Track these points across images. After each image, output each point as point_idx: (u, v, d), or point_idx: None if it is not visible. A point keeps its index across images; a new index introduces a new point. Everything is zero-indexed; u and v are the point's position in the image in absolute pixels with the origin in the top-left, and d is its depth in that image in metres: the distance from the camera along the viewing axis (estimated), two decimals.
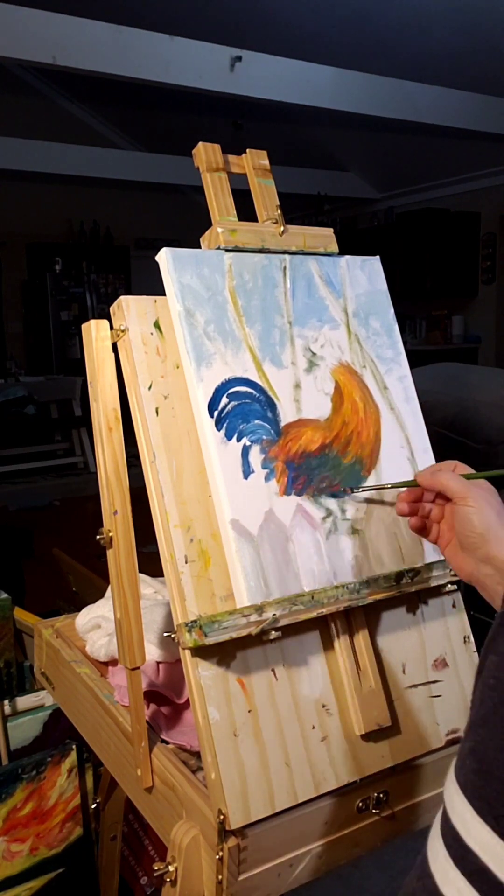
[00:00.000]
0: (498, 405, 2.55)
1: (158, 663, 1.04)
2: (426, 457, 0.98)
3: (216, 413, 0.84)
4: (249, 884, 0.80)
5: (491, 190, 6.99)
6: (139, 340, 0.86)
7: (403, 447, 0.97)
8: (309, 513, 0.88)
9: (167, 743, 0.95)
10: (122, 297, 0.86)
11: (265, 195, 0.98)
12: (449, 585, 0.96)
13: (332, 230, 1.01)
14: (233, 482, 0.83)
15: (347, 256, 1.01)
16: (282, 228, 0.96)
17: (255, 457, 0.86)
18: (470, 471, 0.81)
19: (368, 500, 0.93)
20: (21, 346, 8.05)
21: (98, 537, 0.85)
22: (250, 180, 0.99)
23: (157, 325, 0.87)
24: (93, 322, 0.85)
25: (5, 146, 6.41)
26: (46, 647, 1.21)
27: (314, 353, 0.94)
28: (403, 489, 0.85)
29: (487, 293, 7.30)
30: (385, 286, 1.03)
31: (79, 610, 1.22)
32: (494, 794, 0.39)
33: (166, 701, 1.02)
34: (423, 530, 0.83)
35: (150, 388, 0.85)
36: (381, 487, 0.93)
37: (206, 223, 0.93)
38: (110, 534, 0.85)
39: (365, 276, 1.02)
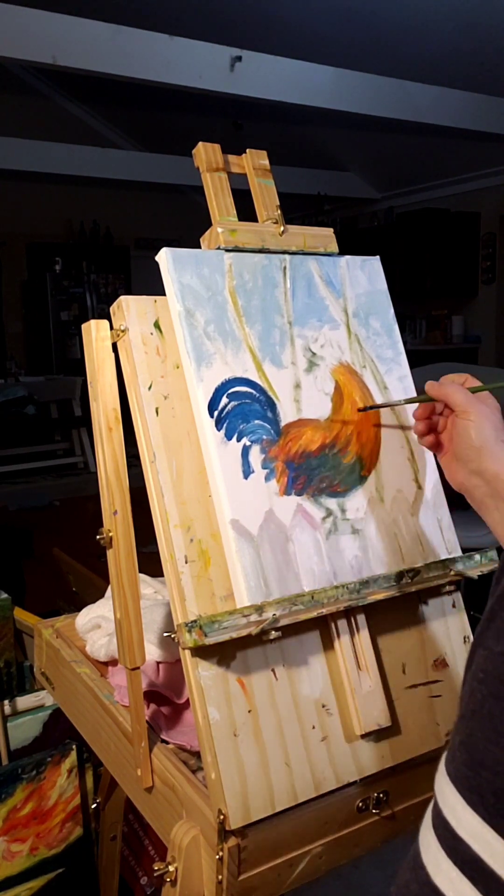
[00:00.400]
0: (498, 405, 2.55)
1: (158, 663, 1.04)
2: (426, 456, 0.98)
3: (216, 413, 0.84)
4: (249, 884, 0.80)
5: (491, 190, 6.99)
6: (139, 340, 0.86)
7: (403, 447, 0.97)
8: (309, 513, 0.88)
9: (167, 743, 0.95)
10: (122, 297, 0.86)
11: (265, 195, 0.98)
12: (449, 585, 0.96)
13: (332, 230, 1.01)
14: (233, 482, 0.83)
15: (347, 256, 1.01)
16: (282, 228, 0.96)
17: (255, 457, 0.86)
18: (478, 384, 0.83)
19: (369, 501, 0.93)
20: (21, 346, 8.05)
21: (98, 537, 0.85)
22: (250, 180, 0.99)
23: (157, 325, 0.87)
24: (93, 322, 0.85)
25: (5, 146, 6.41)
26: (46, 647, 1.21)
27: (314, 353, 0.94)
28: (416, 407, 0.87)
29: (487, 293, 7.30)
30: (385, 286, 1.03)
31: (79, 610, 1.22)
32: (485, 784, 0.40)
33: (166, 701, 1.02)
34: (436, 446, 0.84)
35: (150, 388, 0.85)
36: (396, 404, 0.96)
37: (206, 223, 0.93)
38: (110, 534, 0.85)
39: (365, 276, 1.02)
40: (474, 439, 0.77)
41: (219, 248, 0.91)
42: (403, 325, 7.31)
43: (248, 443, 0.86)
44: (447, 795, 0.42)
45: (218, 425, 0.84)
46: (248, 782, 0.79)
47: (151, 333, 0.87)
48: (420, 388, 1.02)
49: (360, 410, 0.95)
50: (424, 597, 0.96)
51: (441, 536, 0.97)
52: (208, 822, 0.79)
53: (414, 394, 1.01)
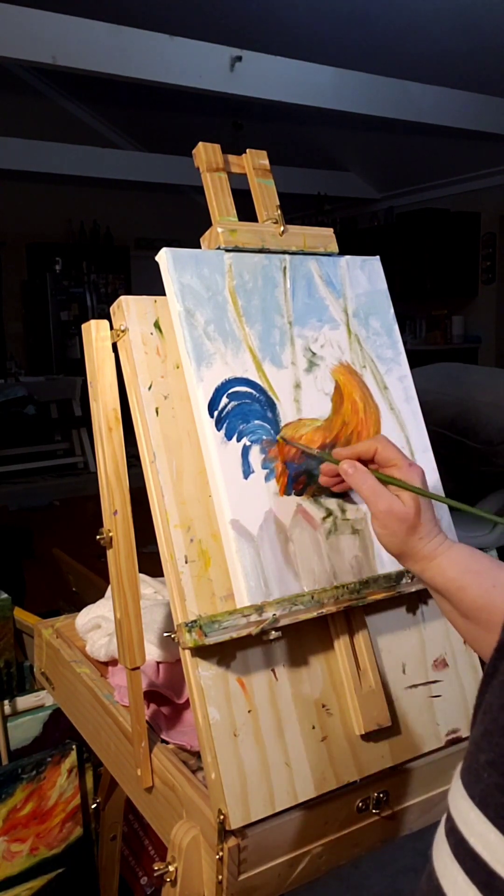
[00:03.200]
0: (498, 405, 2.55)
1: (158, 663, 1.04)
2: (426, 457, 0.98)
3: (216, 413, 0.84)
4: (249, 884, 0.80)
5: (491, 190, 6.98)
6: (139, 340, 0.86)
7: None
8: (309, 513, 0.88)
9: (167, 743, 0.95)
10: (122, 297, 0.86)
11: (265, 195, 0.98)
12: None
13: (332, 230, 1.01)
14: (233, 482, 0.83)
15: (347, 256, 1.01)
16: (282, 228, 0.96)
17: (255, 457, 0.86)
18: (394, 460, 0.75)
19: None
20: (21, 346, 8.05)
21: (98, 537, 0.85)
22: (250, 180, 0.99)
23: (157, 325, 0.87)
24: (93, 322, 0.85)
25: (5, 146, 6.41)
26: (46, 647, 1.21)
27: (314, 353, 0.94)
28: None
29: (487, 293, 7.30)
30: (385, 286, 1.03)
31: (79, 610, 1.22)
32: None
33: (166, 701, 1.02)
34: (347, 489, 0.83)
35: (150, 388, 0.85)
36: (304, 448, 0.88)
37: (206, 223, 0.93)
38: (110, 534, 0.85)
39: (365, 276, 1.02)
40: (388, 545, 0.74)
41: (219, 248, 0.91)
42: (403, 325, 7.31)
43: (248, 443, 0.86)
44: (473, 823, 0.37)
45: (218, 425, 0.84)
46: (248, 782, 0.79)
47: (151, 333, 0.87)
48: (420, 389, 1.03)
49: (283, 440, 0.88)
50: (424, 597, 0.96)
51: None
52: (208, 822, 0.79)
53: (413, 395, 1.00)
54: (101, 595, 1.24)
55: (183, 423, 0.86)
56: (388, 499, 0.72)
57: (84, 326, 0.86)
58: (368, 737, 0.87)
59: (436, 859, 0.39)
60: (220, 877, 0.78)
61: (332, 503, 0.90)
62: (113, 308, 0.88)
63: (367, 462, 0.77)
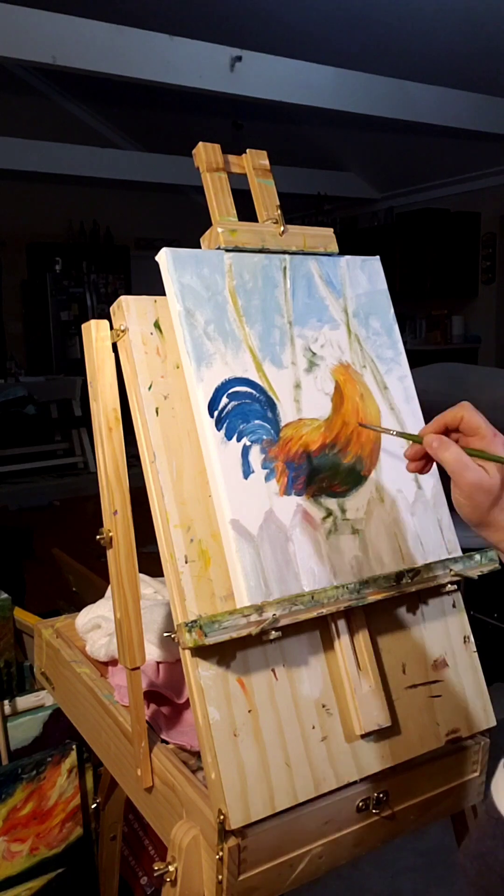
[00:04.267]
0: (498, 405, 2.55)
1: (158, 663, 1.04)
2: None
3: (216, 413, 0.84)
4: (249, 884, 0.80)
5: (491, 190, 6.98)
6: (139, 340, 0.86)
7: (403, 447, 0.97)
8: (309, 513, 0.88)
9: (167, 743, 0.95)
10: (122, 297, 0.86)
11: (265, 195, 0.98)
12: (449, 585, 0.96)
13: (332, 230, 1.01)
14: (233, 482, 0.83)
15: (347, 256, 1.01)
16: (282, 228, 0.95)
17: (255, 457, 0.86)
18: (479, 428, 0.74)
19: (369, 501, 0.93)
20: (21, 346, 8.05)
21: (98, 537, 0.85)
22: (250, 180, 0.99)
23: (157, 325, 0.87)
24: (93, 322, 0.85)
25: (5, 146, 6.41)
26: (46, 647, 1.21)
27: (314, 353, 0.94)
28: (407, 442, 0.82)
29: (487, 293, 7.29)
30: (385, 286, 1.03)
31: (79, 610, 1.22)
32: None
33: (166, 701, 1.02)
34: (429, 469, 0.80)
35: (150, 388, 0.85)
36: (385, 431, 0.94)
37: (206, 223, 0.93)
38: (110, 534, 0.85)
39: (365, 276, 1.02)
40: (468, 516, 0.72)
41: (219, 248, 0.91)
42: (403, 325, 7.31)
43: (248, 443, 0.86)
44: None
45: (218, 425, 0.84)
46: (248, 782, 0.79)
47: (151, 333, 0.87)
48: (420, 389, 1.03)
49: (360, 425, 0.94)
50: (424, 597, 0.96)
51: (441, 536, 0.97)
52: (208, 822, 0.79)
53: (414, 395, 1.01)
54: (101, 595, 1.24)
55: (183, 423, 0.86)
56: (476, 471, 0.70)
57: (84, 326, 0.86)
58: (368, 737, 0.87)
59: (495, 795, 0.40)
60: (220, 877, 0.78)
61: (332, 503, 0.90)
62: (113, 308, 0.88)
63: (451, 432, 0.76)
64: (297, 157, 7.04)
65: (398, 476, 0.96)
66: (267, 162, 1.00)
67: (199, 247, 0.93)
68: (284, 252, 0.95)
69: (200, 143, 0.95)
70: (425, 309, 7.50)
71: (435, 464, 0.79)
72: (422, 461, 0.78)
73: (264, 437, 0.87)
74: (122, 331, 0.86)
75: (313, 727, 0.84)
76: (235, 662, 0.81)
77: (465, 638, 0.98)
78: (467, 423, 0.74)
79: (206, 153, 0.95)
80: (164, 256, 0.87)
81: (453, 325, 7.43)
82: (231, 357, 0.88)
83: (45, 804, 1.29)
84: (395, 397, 0.99)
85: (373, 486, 0.93)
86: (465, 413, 0.75)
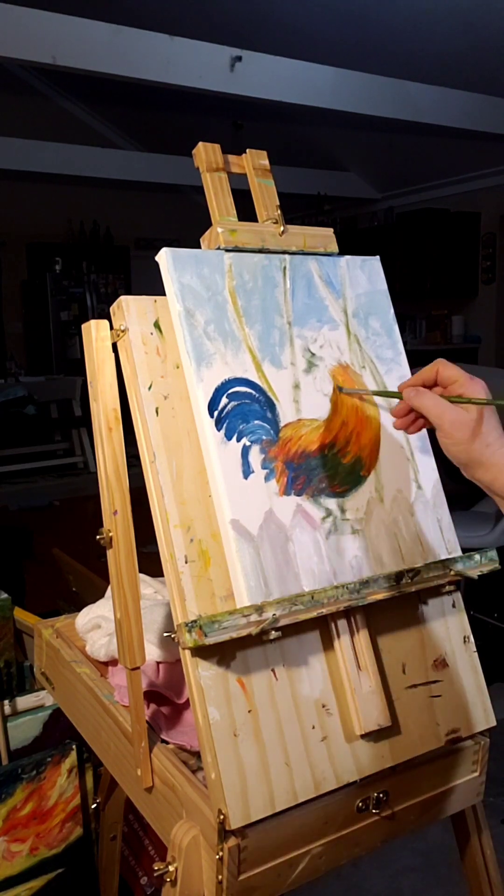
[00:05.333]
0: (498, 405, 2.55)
1: (158, 663, 1.04)
2: (426, 457, 0.98)
3: (216, 413, 0.85)
4: (249, 884, 0.80)
5: (491, 190, 6.98)
6: (139, 340, 0.86)
7: (403, 447, 0.97)
8: (309, 513, 0.88)
9: (167, 743, 0.95)
10: (122, 297, 0.86)
11: (265, 195, 0.98)
12: (449, 585, 0.96)
13: (332, 230, 1.01)
14: (233, 482, 0.83)
15: (347, 256, 1.01)
16: (282, 228, 0.96)
17: (255, 457, 0.86)
18: (456, 378, 0.79)
19: (368, 501, 0.93)
20: (21, 346, 8.05)
21: (98, 537, 0.85)
22: (250, 180, 0.99)
23: (157, 325, 0.87)
24: (93, 322, 0.85)
25: (5, 146, 6.41)
26: (46, 647, 1.21)
27: (313, 354, 0.94)
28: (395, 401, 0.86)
29: (487, 293, 7.30)
30: (385, 286, 1.03)
31: (79, 610, 1.22)
32: None
33: (166, 701, 1.02)
34: (422, 427, 0.84)
35: (150, 388, 0.85)
36: (365, 392, 0.96)
37: (206, 223, 0.93)
38: (110, 534, 0.85)
39: (365, 276, 1.02)
40: (455, 455, 0.77)
41: (219, 248, 0.91)
42: (403, 325, 7.31)
43: (247, 443, 0.86)
44: None
45: (218, 425, 0.84)
46: (248, 782, 0.79)
47: (151, 333, 0.87)
48: None
49: (339, 390, 0.95)
50: (424, 597, 0.96)
51: (441, 536, 0.97)
52: (208, 822, 0.79)
53: None
54: (101, 595, 1.24)
55: (183, 423, 0.86)
56: (454, 410, 0.76)
57: (84, 326, 0.86)
58: (368, 737, 0.87)
59: None
60: (220, 877, 0.78)
61: (331, 503, 0.90)
62: (113, 308, 0.88)
63: (430, 387, 0.81)
64: (297, 157, 7.04)
65: (398, 476, 0.96)
66: (267, 162, 1.00)
67: (199, 247, 0.93)
68: (284, 252, 0.95)
69: (200, 143, 0.95)
70: (425, 309, 7.50)
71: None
72: (409, 417, 0.83)
73: (264, 437, 0.87)
74: (122, 331, 0.86)
75: (313, 727, 0.84)
76: (235, 662, 0.81)
77: (465, 638, 0.98)
78: (443, 375, 0.80)
79: (206, 153, 0.95)
80: (164, 256, 0.87)
81: (453, 325, 7.43)
82: (231, 357, 0.88)
83: (45, 804, 1.29)
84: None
85: (372, 486, 0.93)
86: (439, 367, 0.81)
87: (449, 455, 0.78)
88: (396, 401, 0.85)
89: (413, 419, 0.83)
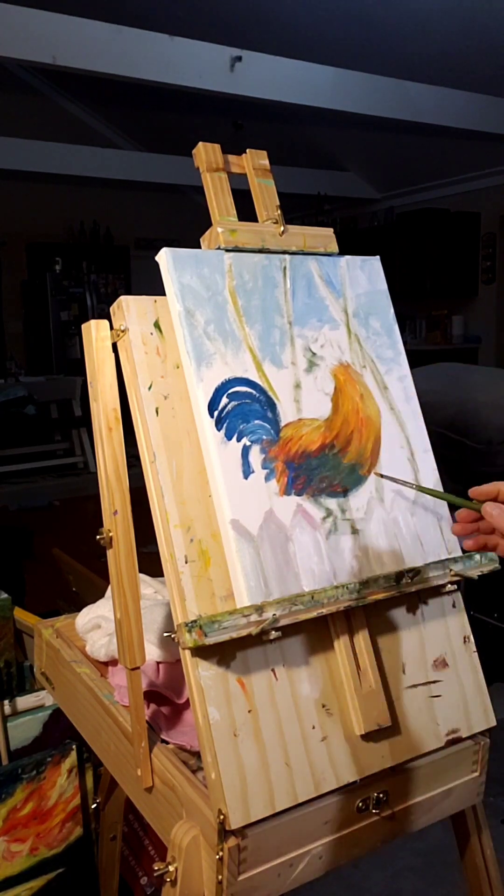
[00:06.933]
0: (498, 405, 2.55)
1: (158, 663, 1.04)
2: (426, 457, 0.98)
3: (216, 413, 0.85)
4: (249, 884, 0.80)
5: (491, 190, 6.99)
6: (139, 340, 0.86)
7: (403, 447, 0.97)
8: (309, 513, 0.88)
9: (167, 743, 0.95)
10: (122, 297, 0.86)
11: (265, 195, 0.98)
12: (449, 585, 0.96)
13: (332, 230, 1.01)
14: (233, 482, 0.83)
15: (347, 256, 1.01)
16: (282, 228, 0.96)
17: (255, 457, 0.86)
18: None
19: (369, 501, 0.93)
20: (21, 346, 8.05)
21: (98, 537, 0.85)
22: (250, 180, 0.99)
23: (157, 325, 0.87)
24: (93, 322, 0.85)
25: (5, 146, 6.41)
26: (46, 647, 1.21)
27: (314, 353, 0.94)
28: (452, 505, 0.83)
29: (487, 293, 7.30)
30: (385, 286, 1.03)
31: (79, 610, 1.22)
32: None
33: (166, 701, 1.02)
34: (483, 547, 0.81)
35: (150, 388, 0.85)
36: (435, 495, 0.92)
37: (206, 223, 0.93)
38: (110, 534, 0.85)
39: (365, 276, 1.02)
40: None
41: (219, 248, 0.91)
42: (403, 325, 7.31)
43: (248, 443, 0.86)
44: None
45: (218, 425, 0.84)
46: (248, 782, 0.79)
47: (151, 333, 0.87)
48: (420, 389, 1.02)
49: (377, 475, 0.92)
50: (424, 597, 0.96)
51: (441, 536, 0.97)
52: (208, 822, 0.79)
53: (414, 395, 1.00)
54: (101, 595, 1.24)
55: (183, 423, 0.86)
56: None
57: (84, 326, 0.86)
58: (368, 737, 0.87)
59: None
60: (220, 877, 0.78)
61: (332, 503, 0.90)
62: (113, 308, 0.88)
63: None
64: (297, 157, 7.05)
65: (398, 476, 0.95)
66: (267, 162, 1.00)
67: (199, 247, 0.93)
68: (284, 252, 0.95)
69: (200, 143, 0.95)
70: (425, 309, 7.50)
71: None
72: (472, 525, 0.80)
73: (264, 437, 0.87)
74: (122, 331, 0.86)
75: (313, 727, 0.84)
76: (235, 662, 0.81)
77: (465, 638, 0.98)
78: None
79: (206, 153, 0.95)
80: (164, 256, 0.87)
81: (453, 325, 7.43)
82: (231, 357, 0.88)
83: (45, 804, 1.29)
84: (395, 397, 0.99)
85: (373, 485, 0.93)
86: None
87: None
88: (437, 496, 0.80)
89: (474, 529, 0.80)
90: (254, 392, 0.88)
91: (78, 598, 2.27)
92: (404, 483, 0.92)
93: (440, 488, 0.98)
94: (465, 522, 0.80)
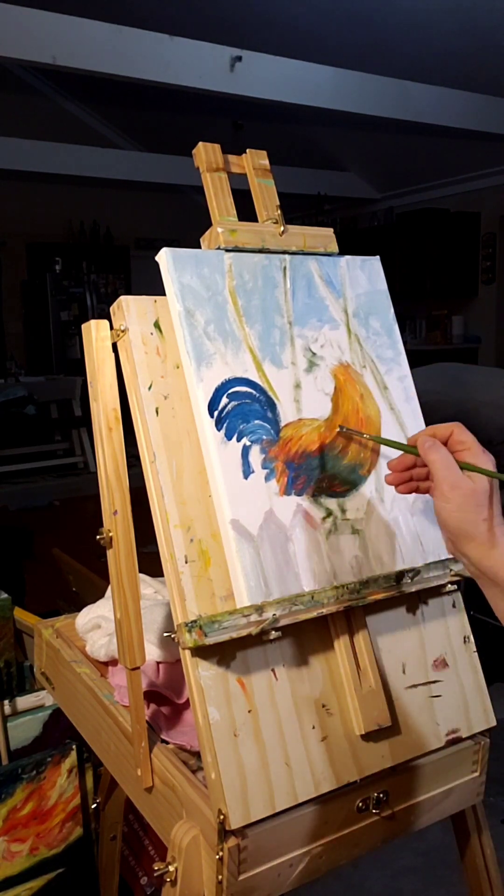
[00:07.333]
0: (498, 405, 2.55)
1: (158, 663, 1.04)
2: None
3: (216, 413, 0.85)
4: (249, 884, 0.80)
5: (491, 190, 6.99)
6: (139, 340, 0.86)
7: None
8: (309, 513, 0.88)
9: (167, 743, 0.95)
10: (122, 297, 0.86)
11: (265, 195, 0.98)
12: (449, 585, 0.96)
13: (332, 230, 1.01)
14: (233, 482, 0.83)
15: (347, 256, 1.01)
16: (282, 228, 0.96)
17: (255, 457, 0.86)
18: (469, 445, 0.75)
19: (369, 501, 0.93)
20: (21, 346, 8.05)
21: (98, 537, 0.85)
22: (250, 180, 0.99)
23: (157, 325, 0.87)
24: (93, 322, 0.85)
25: (5, 146, 6.41)
26: (46, 647, 1.21)
27: (314, 353, 0.94)
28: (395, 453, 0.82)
29: (487, 293, 7.30)
30: (385, 286, 1.03)
31: (79, 610, 1.22)
32: None
33: (166, 701, 1.02)
34: (412, 490, 0.80)
35: (150, 388, 0.85)
36: (380, 441, 0.92)
37: (206, 223, 0.93)
38: (110, 534, 0.85)
39: (365, 276, 1.02)
40: (447, 522, 0.72)
41: (219, 248, 0.91)
42: (403, 325, 7.31)
43: (248, 443, 0.86)
44: None
45: (218, 425, 0.84)
46: (248, 782, 0.79)
47: (151, 333, 0.87)
48: (420, 389, 1.02)
49: (338, 430, 0.92)
50: (424, 597, 0.96)
51: (441, 536, 0.97)
52: (208, 822, 0.79)
53: (414, 395, 1.00)
54: (101, 595, 1.24)
55: (183, 423, 0.86)
56: (459, 474, 0.72)
57: (84, 326, 0.86)
58: (368, 737, 0.87)
59: None
60: (220, 877, 0.78)
61: (332, 503, 0.90)
62: (113, 308, 0.88)
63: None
64: (297, 157, 7.04)
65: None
66: (267, 162, 1.00)
67: (199, 247, 0.93)
68: (284, 252, 0.95)
69: (200, 143, 0.95)
70: (425, 309, 7.50)
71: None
72: (404, 475, 0.79)
73: (264, 437, 0.87)
74: (122, 331, 0.86)
75: (313, 727, 0.84)
76: (235, 662, 0.81)
77: (465, 638, 0.98)
78: (456, 438, 0.76)
79: (206, 153, 0.95)
80: (164, 256, 0.87)
81: (453, 325, 7.43)
82: (231, 357, 0.88)
83: (45, 804, 1.29)
84: (395, 397, 0.99)
85: (373, 486, 0.93)
86: (455, 428, 0.76)
87: (440, 521, 0.73)
88: (392, 448, 0.80)
89: (408, 478, 0.79)
90: (254, 392, 0.88)
91: (78, 598, 2.27)
92: (359, 434, 0.92)
93: None
94: (398, 471, 0.79)
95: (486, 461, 0.74)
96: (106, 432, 0.85)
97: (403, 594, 0.91)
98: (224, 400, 0.85)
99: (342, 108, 4.93)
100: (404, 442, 0.89)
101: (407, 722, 0.91)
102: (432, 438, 0.76)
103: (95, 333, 0.85)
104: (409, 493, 0.81)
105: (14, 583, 2.89)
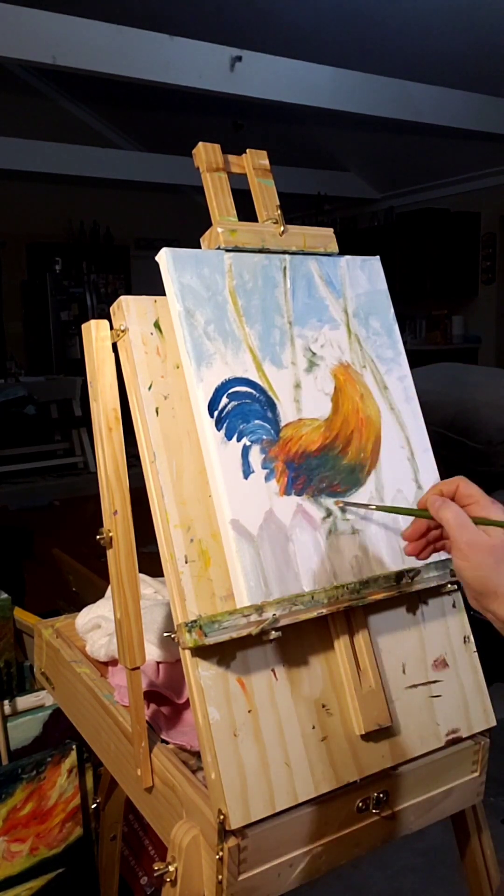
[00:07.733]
0: (498, 405, 2.55)
1: (158, 663, 1.04)
2: (426, 457, 0.98)
3: (216, 413, 0.85)
4: (249, 884, 0.80)
5: (491, 190, 6.99)
6: (139, 340, 0.86)
7: (403, 447, 0.97)
8: (309, 513, 0.88)
9: (167, 743, 0.95)
10: (122, 297, 0.86)
11: (265, 195, 0.98)
12: (449, 585, 0.96)
13: (332, 230, 1.01)
14: (233, 482, 0.83)
15: (347, 256, 1.01)
16: (282, 228, 0.96)
17: (255, 457, 0.86)
18: (476, 498, 0.74)
19: (369, 500, 0.93)
20: (21, 346, 8.05)
21: (98, 537, 0.85)
22: (250, 180, 0.99)
23: (157, 325, 0.87)
24: (93, 322, 0.85)
25: (5, 146, 6.41)
26: (46, 647, 1.21)
27: (314, 353, 0.94)
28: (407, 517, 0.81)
29: (487, 293, 7.30)
30: (385, 286, 1.03)
31: (79, 610, 1.22)
32: None
33: (166, 701, 1.02)
34: (433, 552, 0.79)
35: (150, 388, 0.85)
36: (388, 510, 0.91)
37: (206, 223, 0.93)
38: (110, 534, 0.85)
39: (365, 275, 1.02)
40: (469, 581, 0.70)
41: (219, 248, 0.91)
42: (403, 325, 7.31)
43: (248, 443, 0.86)
44: None
45: (218, 425, 0.84)
46: (248, 782, 0.79)
47: (151, 333, 0.87)
48: (420, 389, 1.02)
49: (345, 503, 0.90)
50: (424, 597, 0.96)
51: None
52: (208, 822, 0.79)
53: (414, 395, 1.00)
54: (101, 595, 1.24)
55: (183, 423, 0.86)
56: (474, 530, 0.70)
57: (84, 326, 0.86)
58: (368, 737, 0.87)
59: None
60: (220, 877, 0.78)
61: (332, 503, 0.90)
62: (113, 308, 0.88)
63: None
64: (297, 157, 7.04)
65: (398, 476, 0.96)
66: (267, 162, 1.00)
67: (199, 247, 0.93)
68: (284, 252, 0.95)
69: (200, 143, 0.95)
70: (425, 309, 7.50)
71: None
72: (423, 541, 0.78)
73: (264, 437, 0.87)
74: (122, 331, 0.86)
75: (313, 727, 0.84)
76: (235, 662, 0.81)
77: (465, 638, 0.98)
78: (463, 493, 0.75)
79: (206, 153, 0.95)
80: (164, 256, 0.87)
81: (453, 325, 7.43)
82: (231, 357, 0.88)
83: (45, 804, 1.29)
84: (395, 397, 0.99)
85: (373, 486, 0.93)
86: (460, 483, 0.75)
87: (462, 579, 0.71)
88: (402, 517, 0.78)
89: (425, 544, 0.78)
90: (254, 392, 0.88)
91: (78, 598, 2.27)
92: (365, 506, 0.91)
93: None
94: (414, 540, 0.78)
95: (497, 511, 0.72)
96: (106, 432, 0.85)
97: (403, 594, 0.91)
98: (224, 400, 0.85)
99: (342, 108, 4.93)
100: (413, 506, 0.88)
101: (407, 722, 0.91)
102: (441, 497, 0.74)
103: (95, 333, 0.85)
104: (430, 555, 0.79)
105: (14, 583, 2.89)
